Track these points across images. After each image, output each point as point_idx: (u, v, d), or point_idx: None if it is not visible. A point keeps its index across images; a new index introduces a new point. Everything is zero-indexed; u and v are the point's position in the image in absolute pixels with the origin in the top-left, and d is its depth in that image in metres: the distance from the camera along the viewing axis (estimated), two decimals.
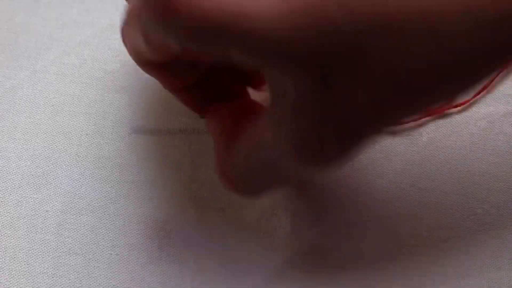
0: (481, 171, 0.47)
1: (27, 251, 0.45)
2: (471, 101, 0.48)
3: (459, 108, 0.48)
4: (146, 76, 0.50)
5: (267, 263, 0.45)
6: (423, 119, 0.48)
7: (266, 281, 0.45)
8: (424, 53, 0.29)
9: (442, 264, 0.45)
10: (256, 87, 0.44)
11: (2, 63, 0.50)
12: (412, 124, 0.48)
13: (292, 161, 0.33)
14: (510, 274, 0.44)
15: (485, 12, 0.28)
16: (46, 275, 0.45)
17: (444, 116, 0.48)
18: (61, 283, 0.45)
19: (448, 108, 0.48)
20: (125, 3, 0.38)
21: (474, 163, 0.47)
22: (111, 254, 0.45)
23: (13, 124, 0.49)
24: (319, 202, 0.46)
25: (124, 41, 0.39)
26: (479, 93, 0.48)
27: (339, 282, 0.45)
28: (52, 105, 0.49)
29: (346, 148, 0.32)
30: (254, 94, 0.44)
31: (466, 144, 0.48)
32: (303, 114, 0.31)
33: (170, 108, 0.49)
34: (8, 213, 0.46)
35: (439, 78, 0.30)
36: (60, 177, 0.47)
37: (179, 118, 0.49)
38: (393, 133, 0.48)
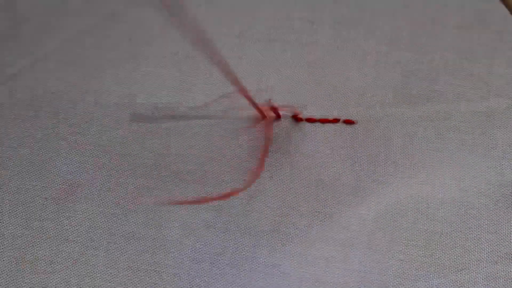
0: (481, 166, 0.47)
1: (25, 238, 0.46)
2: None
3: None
4: (145, 66, 0.50)
5: None
6: None
7: None
8: None
9: (439, 258, 0.45)
10: None
11: (4, 51, 0.51)
12: None
13: None
14: (506, 269, 0.44)
15: None
16: (44, 261, 0.45)
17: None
18: (58, 270, 0.45)
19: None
20: None
21: (476, 158, 0.47)
22: (109, 242, 0.45)
23: (13, 111, 0.49)
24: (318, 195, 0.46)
25: None
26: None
27: (334, 271, 0.45)
28: (52, 93, 0.49)
29: None
30: None
31: (468, 139, 0.48)
32: None
33: (170, 97, 0.49)
34: (8, 200, 0.47)
35: None
36: (59, 165, 0.47)
37: (179, 106, 0.49)
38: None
